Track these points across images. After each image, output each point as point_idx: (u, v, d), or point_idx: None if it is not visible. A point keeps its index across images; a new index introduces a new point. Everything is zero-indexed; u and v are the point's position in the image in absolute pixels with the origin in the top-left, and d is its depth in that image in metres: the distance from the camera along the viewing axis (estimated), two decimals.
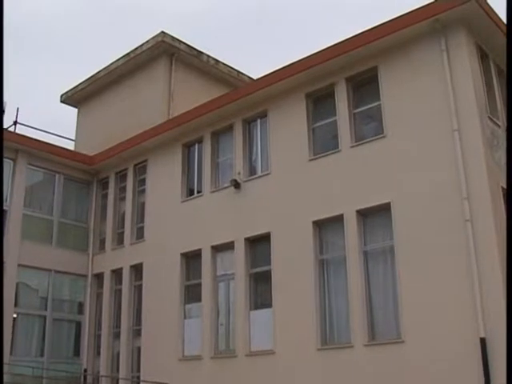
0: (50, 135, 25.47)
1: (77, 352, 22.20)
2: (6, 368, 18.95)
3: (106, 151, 23.19)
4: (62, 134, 27.14)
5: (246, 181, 18.55)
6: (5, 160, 21.71)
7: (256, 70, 22.31)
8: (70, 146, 26.57)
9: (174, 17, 57.42)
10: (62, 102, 28.36)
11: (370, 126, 16.44)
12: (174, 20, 56.40)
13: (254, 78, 21.13)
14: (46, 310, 21.75)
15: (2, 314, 14.46)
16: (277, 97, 18.11)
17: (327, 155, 16.63)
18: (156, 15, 61.82)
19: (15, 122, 25.97)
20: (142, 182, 22.39)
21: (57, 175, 23.21)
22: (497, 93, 15.75)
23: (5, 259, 20.60)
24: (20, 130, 25.59)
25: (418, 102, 15.09)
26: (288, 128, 17.78)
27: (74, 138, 27.64)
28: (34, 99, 44.77)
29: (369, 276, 15.26)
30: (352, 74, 16.57)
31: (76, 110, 28.26)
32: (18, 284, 21.15)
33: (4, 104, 22.83)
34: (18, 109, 26.37)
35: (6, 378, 18.69)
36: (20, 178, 21.97)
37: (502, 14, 13.28)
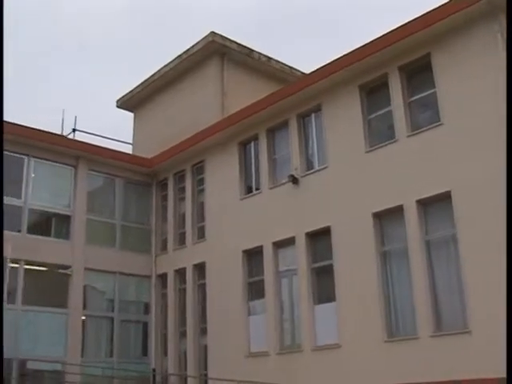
0: (108, 140, 25.96)
1: (145, 352, 22.64)
2: (77, 369, 19.46)
3: (163, 153, 23.49)
4: (120, 139, 27.61)
5: (303, 176, 18.56)
6: (66, 167, 22.29)
7: (307, 64, 22.11)
8: (128, 149, 27.05)
9: (219, 15, 57.60)
10: (118, 107, 28.84)
11: (425, 114, 16.23)
12: (221, 18, 56.60)
13: (306, 72, 21.03)
14: (113, 311, 22.22)
15: (2, 313, 14.77)
16: (330, 90, 18.04)
17: (384, 146, 16.51)
18: (201, 13, 62.23)
19: (74, 130, 26.60)
20: (201, 181, 22.62)
21: (117, 179, 23.63)
22: None
23: (71, 263, 21.23)
24: (79, 136, 26.14)
25: (473, 87, 14.82)
26: (343, 120, 17.72)
27: (131, 142, 28.09)
28: (91, 106, 45.67)
29: (432, 266, 15.10)
30: (405, 63, 16.39)
31: (132, 114, 28.69)
32: (85, 287, 21.65)
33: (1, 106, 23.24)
34: (76, 117, 27.05)
35: (78, 378, 19.20)
36: (81, 183, 22.46)
37: None
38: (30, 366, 19.83)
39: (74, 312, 20.96)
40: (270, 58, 25.24)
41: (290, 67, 25.74)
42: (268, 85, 23.12)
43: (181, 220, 23.25)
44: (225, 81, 23.86)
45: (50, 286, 21.41)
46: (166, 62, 25.69)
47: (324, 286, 17.67)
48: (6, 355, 16.94)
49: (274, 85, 22.98)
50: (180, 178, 23.56)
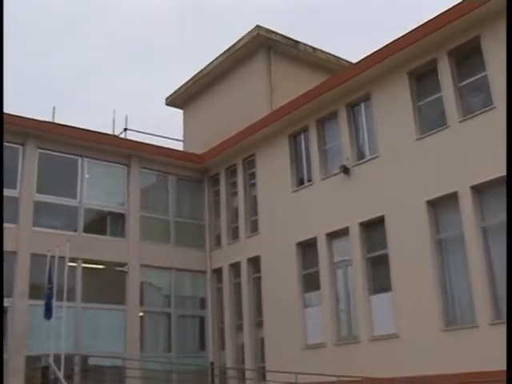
0: (158, 138, 26.20)
1: (202, 346, 22.88)
2: (137, 364, 19.75)
3: (214, 148, 23.63)
4: (170, 136, 27.85)
5: (354, 165, 18.46)
6: (119, 166, 22.65)
7: (353, 54, 21.97)
8: (179, 146, 27.27)
9: (263, 9, 57.48)
10: (167, 104, 29.11)
11: (477, 98, 15.94)
12: (264, 11, 56.47)
13: (353, 61, 20.89)
14: (169, 307, 22.50)
15: (2, 312, 14.99)
16: (379, 78, 17.88)
17: (435, 132, 16.29)
18: (245, 7, 62.20)
19: (125, 129, 26.89)
20: (252, 175, 22.69)
21: (169, 176, 23.88)
22: None
23: (128, 261, 21.54)
24: (130, 135, 26.46)
25: None
26: (393, 108, 17.54)
27: (181, 139, 28.32)
28: (141, 105, 46.20)
29: (489, 252, 14.84)
30: (454, 47, 16.12)
31: (181, 111, 28.92)
32: (141, 284, 21.97)
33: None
34: (126, 116, 27.35)
35: (138, 373, 19.46)
36: (134, 181, 22.77)
37: None
38: (92, 361, 20.19)
39: (131, 308, 21.30)
40: (315, 49, 25.11)
41: (337, 57, 25.57)
42: (315, 75, 23.01)
43: (234, 214, 23.37)
44: (272, 74, 23.87)
45: (107, 284, 21.80)
46: (213, 59, 25.83)
47: (379, 275, 17.54)
48: (67, 351, 17.50)
49: (320, 75, 22.88)
50: (231, 172, 23.68)
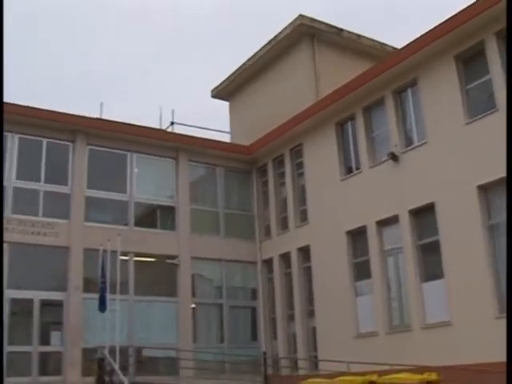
0: (205, 130, 26.33)
1: (254, 336, 23.01)
2: (190, 355, 20.01)
3: (261, 139, 23.66)
4: (217, 128, 27.96)
5: (403, 152, 18.27)
6: (167, 159, 22.89)
7: (397, 39, 21.67)
8: (226, 138, 27.40)
9: None
10: (213, 97, 29.24)
11: None
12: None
13: (398, 47, 20.62)
14: (221, 298, 22.68)
15: (2, 312, 15.12)
16: (425, 63, 17.62)
17: (484, 116, 15.98)
18: None
19: (172, 123, 27.10)
20: (300, 165, 22.66)
21: (217, 168, 24.02)
22: None
23: (178, 253, 21.78)
24: (177, 129, 26.65)
25: None
26: (440, 93, 17.27)
27: (228, 131, 28.44)
28: (187, 99, 46.47)
29: None
30: (502, 28, 15.73)
31: (227, 103, 29.02)
32: (193, 276, 22.18)
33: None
34: (173, 110, 27.55)
35: (191, 364, 19.74)
36: (183, 175, 22.97)
37: None
38: (146, 353, 20.55)
39: (183, 300, 21.53)
40: (359, 36, 24.88)
41: (381, 43, 25.28)
42: (360, 63, 22.80)
43: (282, 205, 23.38)
44: (316, 62, 23.74)
45: (159, 276, 22.07)
46: (256, 50, 25.84)
47: (431, 262, 17.34)
48: (122, 343, 17.83)
49: (365, 62, 22.66)
50: (279, 162, 23.67)
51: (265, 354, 21.36)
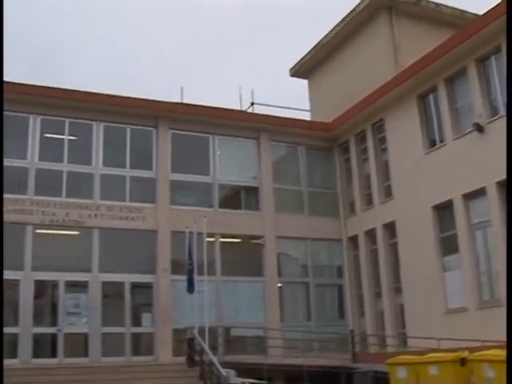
0: (285, 110, 26.24)
1: (341, 314, 22.98)
2: (278, 334, 20.18)
3: (342, 116, 23.45)
4: (296, 107, 27.80)
5: (488, 122, 17.72)
6: (249, 140, 23.04)
7: (478, 5, 20.83)
8: (306, 117, 27.19)
9: None
10: (291, 75, 29.13)
11: None
12: None
13: (479, 14, 19.88)
14: (307, 276, 22.74)
15: (2, 311, 15.19)
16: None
17: None
18: None
19: (252, 103, 27.16)
20: (382, 140, 22.35)
21: (299, 147, 23.97)
22: None
23: (263, 233, 21.94)
24: (257, 110, 26.67)
25: None
26: None
27: (308, 109, 28.25)
28: (265, 79, 46.34)
29: None
30: None
31: (306, 81, 28.84)
32: (278, 255, 22.30)
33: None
34: (252, 91, 27.59)
35: (279, 343, 19.91)
36: (265, 155, 23.06)
37: None
38: (234, 332, 20.86)
39: (270, 280, 21.71)
40: (438, 4, 24.12)
41: (461, 10, 24.41)
42: (439, 32, 22.10)
43: (366, 181, 23.15)
44: (395, 34, 23.21)
45: (245, 257, 22.32)
46: (333, 25, 25.52)
47: None
48: (211, 323, 18.16)
49: (445, 31, 21.93)
50: (361, 138, 23.42)
51: (352, 331, 21.36)
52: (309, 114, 27.90)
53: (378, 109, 21.97)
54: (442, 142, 19.60)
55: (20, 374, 16.03)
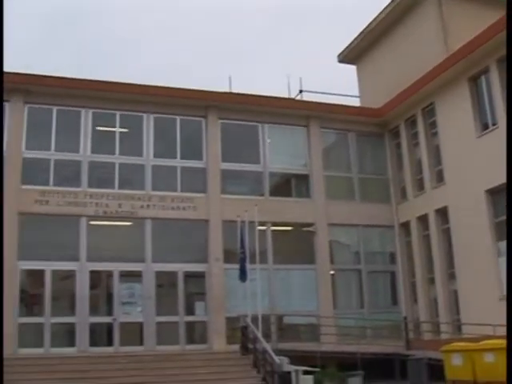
0: (334, 96, 26.05)
1: (394, 301, 22.81)
2: (331, 321, 20.19)
3: (391, 101, 23.20)
4: (345, 93, 27.58)
5: None
6: (298, 128, 23.02)
7: None
8: (355, 103, 26.97)
9: None
10: (339, 62, 28.93)
11: None
12: None
13: None
14: (359, 263, 22.65)
15: (2, 310, 15.18)
16: None
17: None
18: None
19: (301, 91, 27.03)
20: (433, 124, 22.05)
21: (349, 133, 23.83)
22: None
23: (314, 221, 21.93)
24: (306, 97, 26.52)
25: None
26: None
27: (356, 95, 28.03)
28: (313, 66, 45.97)
29: None
30: None
31: (354, 67, 28.62)
32: (330, 242, 22.27)
33: None
34: (300, 78, 27.47)
35: (332, 330, 19.92)
36: (315, 142, 23.01)
37: None
38: (287, 320, 20.95)
39: (322, 267, 21.69)
40: None
41: None
42: (490, 12, 21.45)
43: (417, 166, 22.89)
44: (444, 15, 22.72)
45: (296, 244, 22.33)
46: (380, 10, 25.17)
47: None
48: (264, 311, 18.28)
49: (496, 11, 21.40)
50: (411, 123, 23.15)
51: (406, 318, 21.23)
52: (358, 100, 27.70)
53: (428, 93, 21.66)
54: (494, 124, 19.23)
55: (77, 362, 16.54)
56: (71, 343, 18.55)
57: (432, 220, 21.54)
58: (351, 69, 28.71)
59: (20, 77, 19.44)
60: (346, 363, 17.63)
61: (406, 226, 22.97)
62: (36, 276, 19.01)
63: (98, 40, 56.91)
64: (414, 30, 23.90)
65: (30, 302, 19.10)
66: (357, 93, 28.13)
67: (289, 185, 23.14)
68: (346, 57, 28.42)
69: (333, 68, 35.02)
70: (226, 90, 23.87)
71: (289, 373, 14.84)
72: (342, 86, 27.70)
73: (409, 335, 20.16)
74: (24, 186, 19.18)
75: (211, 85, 22.52)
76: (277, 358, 15.17)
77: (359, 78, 28.27)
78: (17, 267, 18.43)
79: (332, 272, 21.96)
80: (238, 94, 22.44)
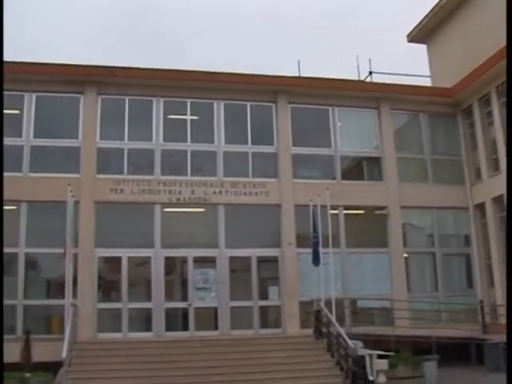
0: (404, 77, 25.60)
1: (470, 284, 22.46)
2: (405, 305, 20.05)
3: (464, 80, 22.69)
4: (415, 73, 27.08)
5: None
6: (369, 110, 22.87)
7: None
8: (426, 83, 26.43)
9: None
10: (409, 41, 28.48)
11: None
12: None
13: None
14: (433, 246, 22.37)
15: (2, 309, 15.05)
16: None
17: None
18: None
19: (370, 72, 26.69)
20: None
21: (420, 114, 23.47)
22: None
23: (387, 204, 21.80)
24: (375, 78, 26.18)
25: None
26: None
27: (427, 75, 27.52)
28: (382, 47, 45.24)
29: None
30: None
31: (425, 46, 28.12)
32: (403, 225, 22.06)
33: None
34: (369, 59, 27.09)
35: (406, 314, 19.80)
36: (386, 124, 22.77)
37: None
38: (360, 304, 20.92)
39: (395, 250, 21.51)
40: None
41: None
42: None
43: (492, 146, 22.34)
44: None
45: (369, 228, 22.24)
46: None
47: None
48: (337, 295, 18.35)
49: None
50: (485, 102, 22.60)
51: (481, 301, 20.88)
52: (429, 80, 27.19)
53: (502, 69, 20.96)
54: None
55: (154, 347, 17.04)
56: (148, 328, 19.08)
57: None
58: (422, 48, 28.22)
59: (93, 69, 20.03)
60: (420, 347, 17.55)
61: (480, 207, 22.51)
62: (113, 263, 19.59)
63: (162, 32, 57.77)
64: (486, 5, 23.20)
65: (108, 288, 19.72)
66: (427, 73, 27.60)
67: (360, 168, 23.03)
68: (416, 36, 27.92)
69: (403, 48, 34.43)
70: (295, 74, 23.80)
71: (363, 357, 14.80)
72: (412, 67, 27.24)
73: (485, 319, 19.87)
74: (99, 176, 19.75)
75: (280, 70, 22.56)
76: (351, 342, 15.24)
77: (430, 57, 27.74)
78: (94, 254, 19.06)
79: (405, 255, 21.74)
80: (307, 78, 22.33)
